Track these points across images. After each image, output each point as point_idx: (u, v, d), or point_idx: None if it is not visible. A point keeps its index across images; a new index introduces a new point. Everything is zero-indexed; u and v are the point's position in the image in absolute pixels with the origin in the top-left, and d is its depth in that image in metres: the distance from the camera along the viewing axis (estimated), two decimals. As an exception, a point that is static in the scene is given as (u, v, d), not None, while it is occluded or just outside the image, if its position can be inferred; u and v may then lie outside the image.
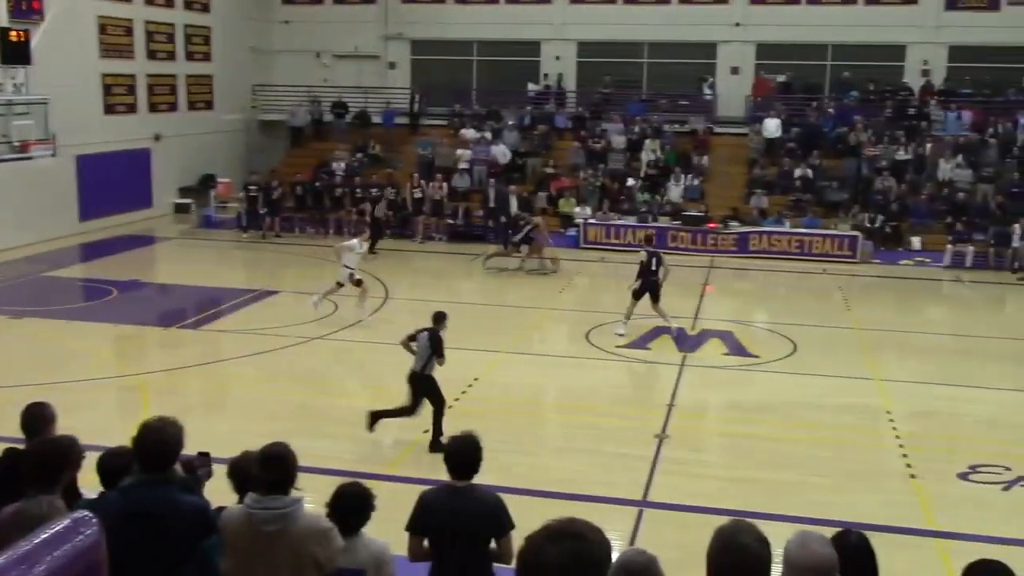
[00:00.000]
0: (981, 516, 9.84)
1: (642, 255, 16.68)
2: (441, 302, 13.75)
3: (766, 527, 3.44)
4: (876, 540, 4.52)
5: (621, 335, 16.27)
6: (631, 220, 25.36)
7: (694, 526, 8.64)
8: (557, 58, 32.46)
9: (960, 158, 26.52)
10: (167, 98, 29.27)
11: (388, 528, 5.36)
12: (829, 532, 3.95)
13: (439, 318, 11.36)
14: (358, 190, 26.70)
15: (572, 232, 25.53)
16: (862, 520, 8.80)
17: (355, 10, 33.20)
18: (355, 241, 18.13)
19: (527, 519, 2.81)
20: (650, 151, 28.24)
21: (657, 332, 16.77)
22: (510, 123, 29.91)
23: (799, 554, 3.37)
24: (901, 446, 11.70)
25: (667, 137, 28.89)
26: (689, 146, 28.81)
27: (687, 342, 16.32)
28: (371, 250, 21.93)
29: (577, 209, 26.35)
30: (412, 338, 11.22)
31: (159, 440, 4.63)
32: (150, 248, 25.82)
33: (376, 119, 31.25)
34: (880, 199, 25.67)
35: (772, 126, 28.24)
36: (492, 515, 5.62)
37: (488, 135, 29.38)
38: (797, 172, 27.03)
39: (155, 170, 28.52)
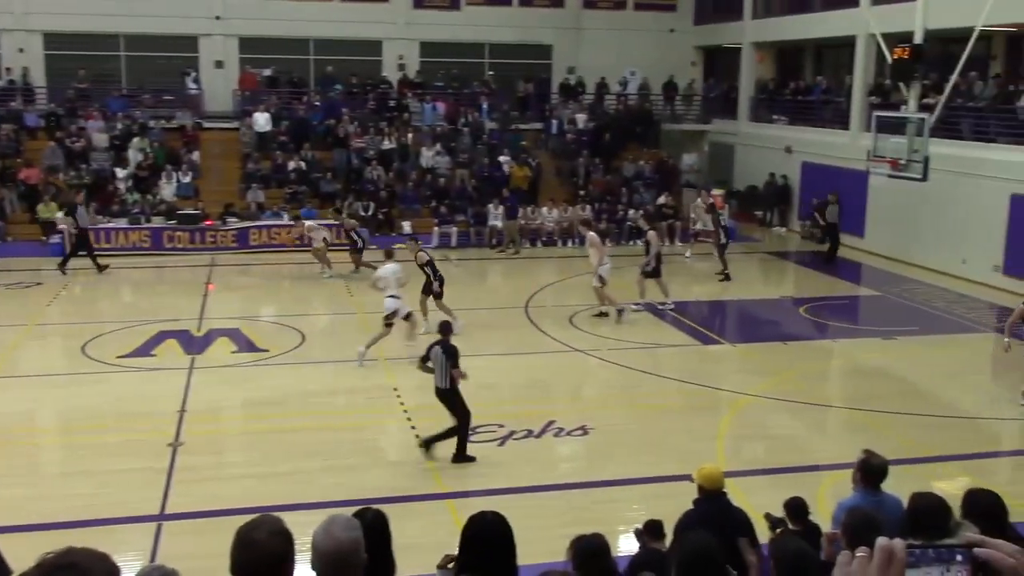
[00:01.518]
0: (482, 472, 10.81)
1: (423, 256, 16.61)
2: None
3: (295, 517, 3.48)
4: (394, 510, 4.78)
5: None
6: (122, 222, 24.01)
7: (218, 531, 8.42)
8: (20, 50, 29.54)
9: (439, 146, 28.70)
10: None
11: None
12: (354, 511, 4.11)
13: (445, 328, 11.14)
14: None
15: (56, 240, 23.51)
16: (383, 495, 9.26)
17: None
18: (391, 265, 15.22)
19: (30, 558, 2.56)
20: (137, 149, 26.89)
21: (161, 337, 16.12)
22: (-33, 123, 26.72)
23: (322, 540, 3.47)
24: (409, 419, 12.44)
25: (155, 134, 27.72)
26: (178, 142, 27.92)
27: (194, 344, 15.86)
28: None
29: (59, 215, 24.27)
30: (426, 358, 10.91)
31: None
32: None
33: None
34: (371, 187, 26.91)
35: (262, 120, 28.29)
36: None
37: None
38: (291, 165, 27.41)
39: None
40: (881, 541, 1.63)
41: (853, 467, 6.70)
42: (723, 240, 21.77)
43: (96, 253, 21.74)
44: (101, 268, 21.50)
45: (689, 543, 4.99)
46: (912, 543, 1.64)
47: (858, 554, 1.65)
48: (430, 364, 10.95)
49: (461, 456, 10.95)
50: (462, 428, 10.94)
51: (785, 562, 4.88)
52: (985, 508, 5.10)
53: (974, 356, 16.84)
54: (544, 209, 26.39)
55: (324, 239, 21.94)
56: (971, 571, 1.63)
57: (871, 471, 6.52)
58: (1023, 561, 1.65)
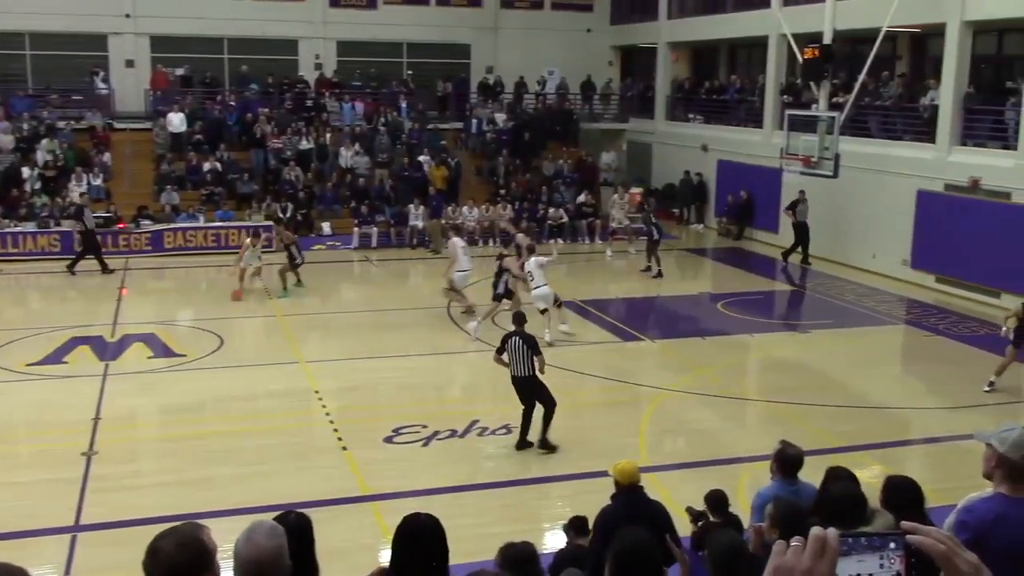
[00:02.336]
0: (407, 473, 10.77)
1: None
2: None
3: (217, 524, 3.43)
4: (318, 514, 4.73)
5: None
6: (30, 227, 23.29)
7: (135, 541, 8.22)
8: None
9: (358, 146, 28.45)
10: None
11: None
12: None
13: (520, 320, 11.62)
14: None
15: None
16: (305, 499, 9.15)
17: None
18: (534, 258, 16.09)
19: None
20: (46, 151, 26.09)
21: (73, 344, 15.69)
22: None
23: (244, 548, 3.42)
24: (331, 422, 12.33)
25: (64, 135, 26.94)
26: (88, 144, 27.18)
27: (108, 350, 15.47)
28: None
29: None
30: (501, 350, 11.13)
31: None
32: None
33: None
34: (289, 188, 26.57)
35: (176, 120, 27.70)
36: None
37: None
38: (206, 166, 26.90)
39: None
40: (815, 530, 1.66)
41: (770, 458, 6.84)
42: (656, 237, 21.98)
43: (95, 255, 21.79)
44: (107, 269, 21.49)
45: (627, 540, 4.79)
46: (845, 532, 1.68)
47: (792, 543, 1.68)
48: (504, 357, 11.22)
49: (545, 443, 11.29)
50: (550, 414, 11.25)
51: (719, 556, 4.90)
52: (903, 495, 5.24)
53: (884, 348, 17.33)
54: (465, 208, 26.36)
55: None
56: (905, 558, 1.67)
57: (788, 461, 6.67)
58: (953, 547, 1.71)
